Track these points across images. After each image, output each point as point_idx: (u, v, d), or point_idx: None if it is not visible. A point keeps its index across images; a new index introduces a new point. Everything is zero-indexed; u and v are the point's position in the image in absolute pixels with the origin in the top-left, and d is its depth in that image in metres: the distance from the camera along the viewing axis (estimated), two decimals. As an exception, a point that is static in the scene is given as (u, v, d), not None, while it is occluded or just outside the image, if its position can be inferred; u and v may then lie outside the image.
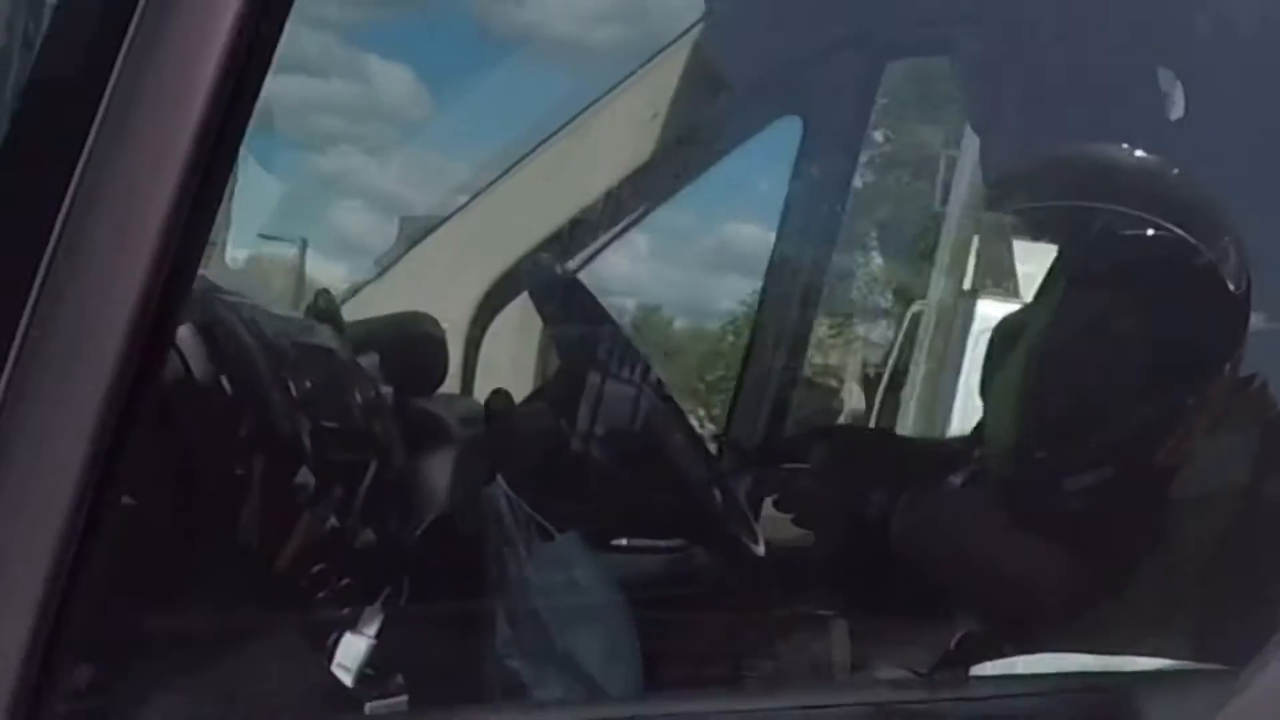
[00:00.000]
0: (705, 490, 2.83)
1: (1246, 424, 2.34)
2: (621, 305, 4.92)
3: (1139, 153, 2.53)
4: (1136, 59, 2.70)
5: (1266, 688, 1.18)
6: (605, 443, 2.72)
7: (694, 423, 3.72)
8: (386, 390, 2.57)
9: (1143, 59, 2.70)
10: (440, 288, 3.39)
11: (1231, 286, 2.30)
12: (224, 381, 2.08)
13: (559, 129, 3.39)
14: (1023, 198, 2.83)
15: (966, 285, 5.19)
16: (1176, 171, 2.50)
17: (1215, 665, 1.80)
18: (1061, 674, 1.80)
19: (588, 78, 3.49)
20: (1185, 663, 1.85)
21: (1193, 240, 2.32)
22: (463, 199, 3.53)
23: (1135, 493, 2.36)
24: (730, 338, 7.41)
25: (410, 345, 2.82)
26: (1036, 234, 3.07)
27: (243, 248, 3.15)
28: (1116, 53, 2.66)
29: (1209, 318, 2.35)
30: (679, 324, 6.14)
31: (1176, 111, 2.73)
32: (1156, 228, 2.34)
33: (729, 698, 1.94)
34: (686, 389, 5.05)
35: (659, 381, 2.92)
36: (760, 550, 2.84)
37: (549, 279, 3.01)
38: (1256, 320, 2.33)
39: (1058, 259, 2.63)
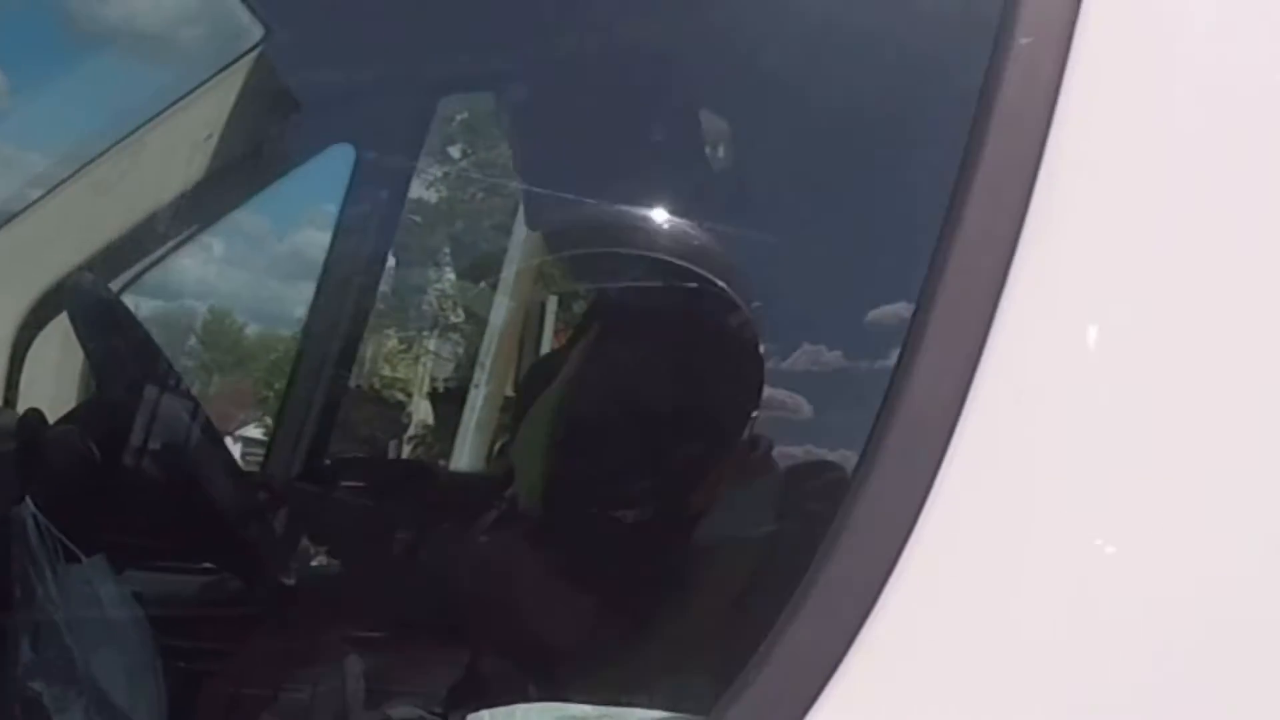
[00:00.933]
0: (237, 517, 2.83)
1: (756, 482, 2.39)
2: (193, 309, 4.85)
3: (669, 205, 2.57)
4: (678, 108, 2.77)
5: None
6: (137, 467, 2.71)
7: (261, 433, 3.73)
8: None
9: (686, 109, 2.77)
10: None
11: (760, 347, 2.34)
12: None
13: (113, 144, 3.35)
14: (562, 243, 2.88)
15: (549, 307, 5.24)
16: (707, 226, 2.51)
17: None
18: None
19: (145, 94, 3.44)
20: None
21: (733, 294, 2.37)
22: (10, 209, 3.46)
23: (646, 545, 2.40)
24: (280, 348, 7.38)
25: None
26: (575, 279, 3.13)
27: None
28: (658, 100, 2.73)
29: (736, 373, 2.39)
30: (250, 330, 6.08)
31: (720, 162, 2.82)
32: (695, 278, 2.38)
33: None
34: (257, 397, 5.02)
35: (197, 405, 2.92)
36: (290, 580, 2.86)
37: (88, 298, 2.97)
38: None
39: (593, 304, 2.68)
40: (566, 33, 2.70)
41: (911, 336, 1.30)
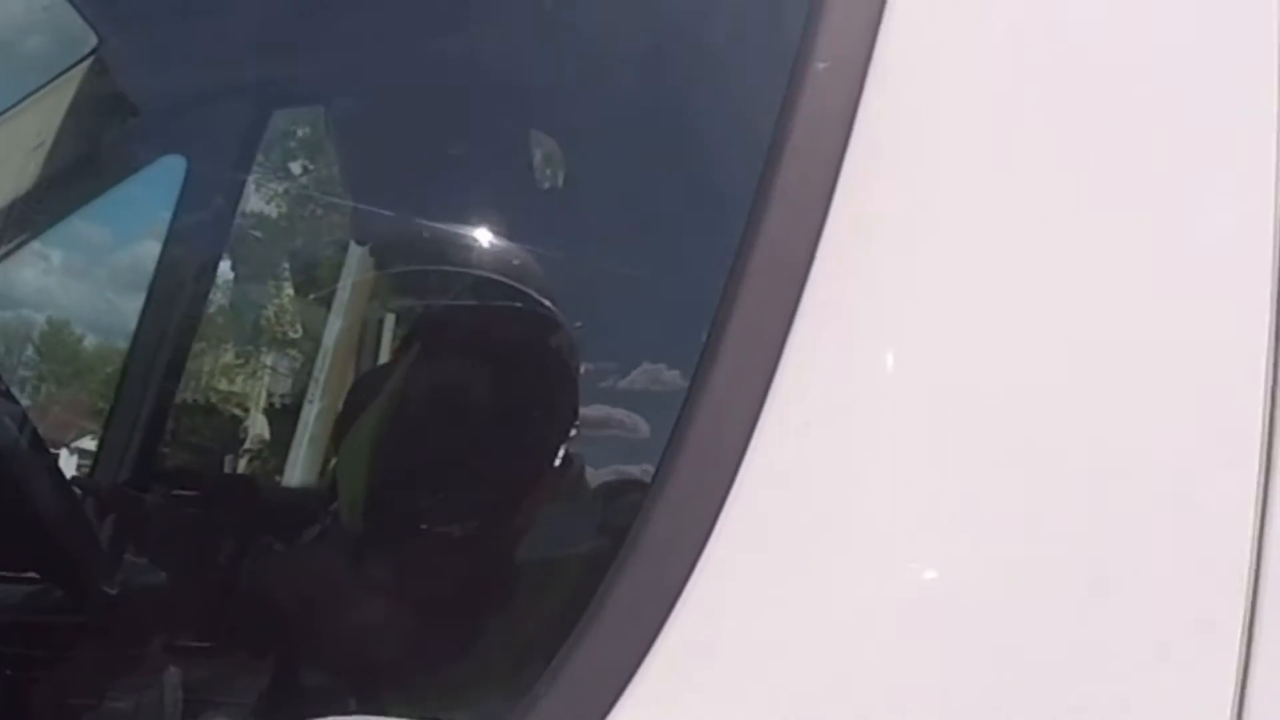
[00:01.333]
0: (60, 525, 2.81)
1: (570, 500, 2.41)
2: (28, 318, 4.82)
3: (494, 223, 2.58)
4: (508, 124, 2.78)
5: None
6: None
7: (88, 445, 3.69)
8: None
9: (515, 124, 2.79)
10: None
11: (580, 369, 2.39)
12: None
13: (-58, 149, 3.32)
14: (388, 259, 2.89)
15: (387, 324, 5.23)
16: (532, 245, 2.51)
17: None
18: None
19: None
20: None
21: (555, 313, 2.38)
22: None
23: (462, 560, 2.40)
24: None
25: None
26: (401, 296, 3.14)
27: None
28: (487, 117, 2.74)
29: (554, 392, 2.41)
30: (89, 341, 6.01)
31: (551, 179, 2.84)
32: (520, 297, 2.39)
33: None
34: (93, 409, 4.97)
35: (22, 411, 2.90)
36: (113, 589, 2.84)
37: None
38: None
39: (417, 320, 2.70)
40: (394, 47, 2.71)
41: (706, 354, 1.33)
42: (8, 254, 3.44)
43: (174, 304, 3.80)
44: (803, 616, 1.35)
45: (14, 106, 3.36)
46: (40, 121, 3.34)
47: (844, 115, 1.36)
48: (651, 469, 2.20)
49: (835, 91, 1.36)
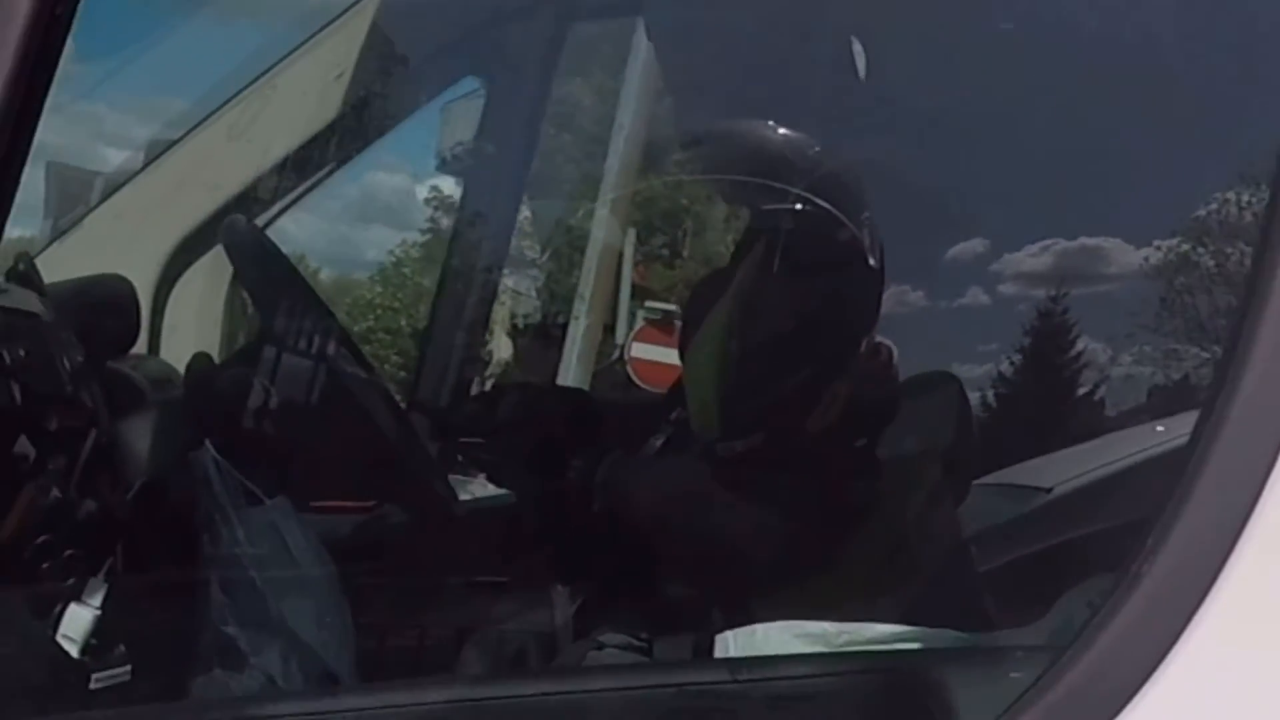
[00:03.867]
0: (402, 450, 2.84)
1: (882, 390, 2.40)
2: (326, 251, 4.92)
3: (792, 130, 2.55)
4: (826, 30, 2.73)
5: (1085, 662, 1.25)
6: (306, 405, 2.71)
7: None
8: (87, 355, 2.52)
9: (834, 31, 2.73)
10: (126, 248, 3.32)
11: (871, 261, 2.36)
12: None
13: (244, 88, 3.34)
14: (695, 166, 2.86)
15: (629, 240, 5.25)
16: (818, 148, 2.50)
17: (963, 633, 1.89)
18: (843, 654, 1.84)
19: (274, 35, 3.43)
20: (931, 631, 1.91)
21: (841, 216, 2.37)
22: (140, 157, 3.46)
23: (803, 457, 2.40)
24: (377, 288, 7.39)
25: (107, 308, 2.76)
26: (717, 199, 3.11)
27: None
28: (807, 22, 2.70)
29: (852, 290, 2.42)
30: (324, 275, 6.10)
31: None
32: (808, 203, 2.38)
33: (470, 686, 1.93)
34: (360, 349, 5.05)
35: (351, 342, 2.93)
36: (459, 510, 2.86)
37: (247, 241, 2.96)
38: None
39: (748, 230, 2.68)
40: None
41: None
42: (317, 184, 3.46)
43: (482, 228, 3.80)
44: None
45: (311, 38, 3.38)
46: (338, 52, 3.34)
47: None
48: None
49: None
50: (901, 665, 1.76)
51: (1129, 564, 1.24)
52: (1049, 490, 2.38)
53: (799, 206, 2.40)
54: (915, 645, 1.83)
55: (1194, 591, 1.22)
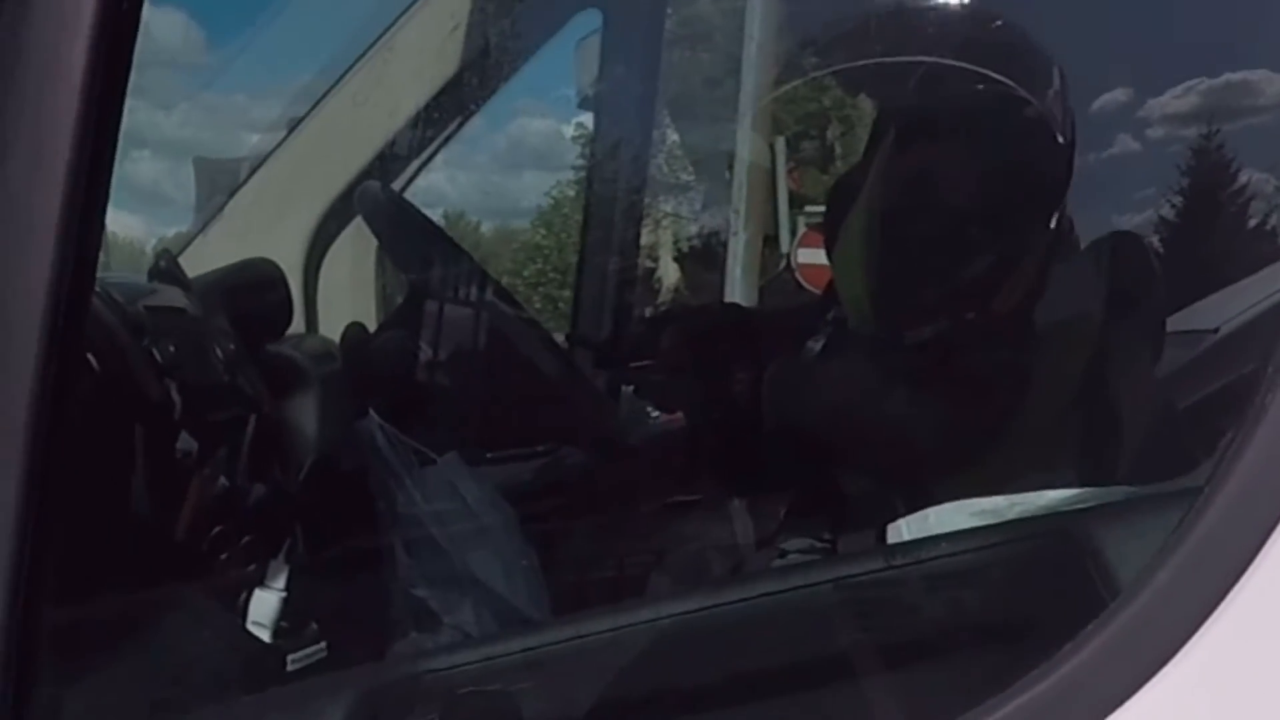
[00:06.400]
0: (566, 389, 2.83)
1: (1070, 263, 2.35)
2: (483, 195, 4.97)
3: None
4: None
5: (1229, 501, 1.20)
6: (464, 357, 2.71)
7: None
8: (241, 342, 2.54)
9: None
10: (269, 230, 3.35)
11: (1059, 136, 2.29)
12: (91, 360, 2.06)
13: (363, 53, 3.35)
14: (841, 56, 2.81)
15: (779, 148, 5.20)
16: (1001, 20, 2.44)
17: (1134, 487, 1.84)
18: (1007, 522, 1.81)
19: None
20: (1105, 489, 1.87)
21: (1020, 90, 2.29)
22: (275, 138, 3.48)
23: (982, 339, 2.35)
24: (541, 232, 7.41)
25: (255, 293, 2.78)
26: (857, 91, 3.06)
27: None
28: None
29: (1035, 167, 2.34)
30: (486, 227, 6.13)
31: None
32: (982, 79, 2.30)
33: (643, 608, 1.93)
34: (510, 290, 5.06)
35: (502, 288, 2.92)
36: (633, 441, 2.85)
37: (382, 205, 2.97)
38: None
39: (881, 114, 2.63)
40: None
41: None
42: (450, 139, 3.47)
43: (621, 156, 3.79)
44: None
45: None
46: (451, 4, 3.33)
47: None
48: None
49: None
50: (1063, 527, 1.72)
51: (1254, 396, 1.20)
52: (1215, 331, 2.33)
53: (965, 83, 2.32)
54: (1084, 505, 1.79)
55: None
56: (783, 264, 5.62)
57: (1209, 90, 2.34)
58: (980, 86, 2.30)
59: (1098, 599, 1.40)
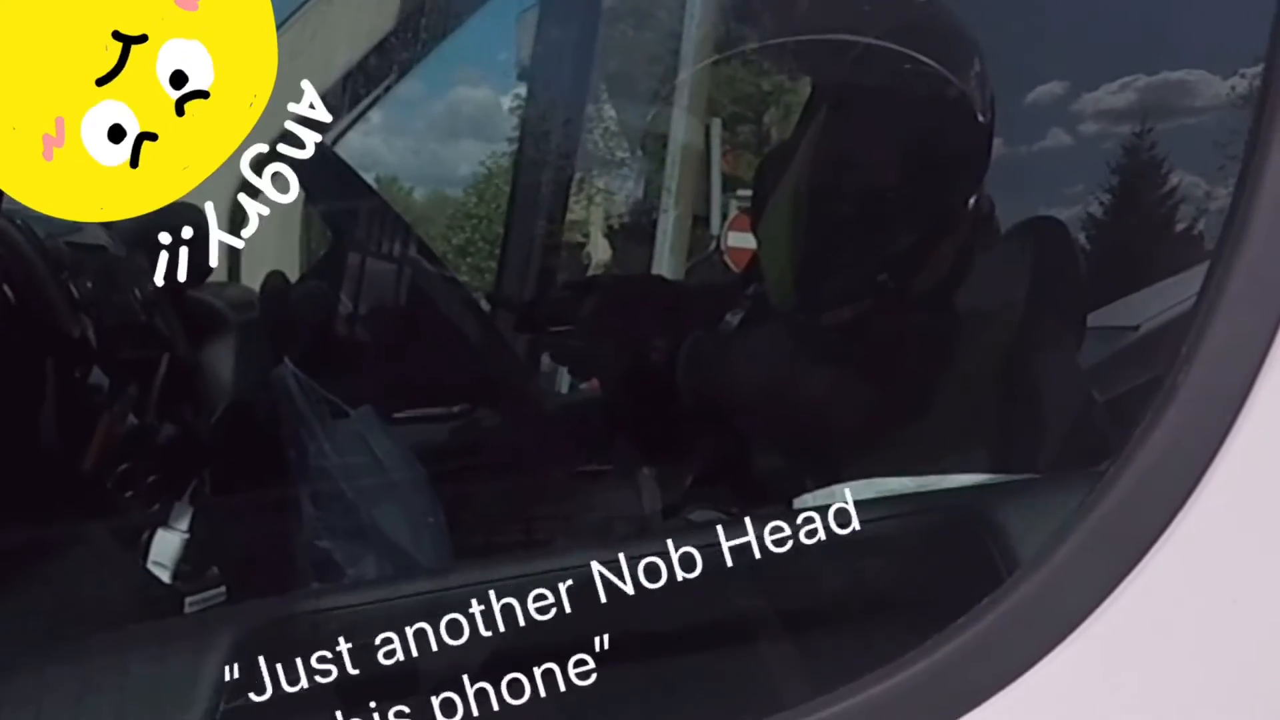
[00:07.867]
0: (486, 351, 2.83)
1: (991, 245, 2.37)
2: (417, 154, 4.92)
3: None
4: None
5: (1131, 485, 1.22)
6: (384, 313, 2.71)
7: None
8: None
9: None
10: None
11: (979, 116, 2.31)
12: (6, 289, 2.05)
13: (299, 7, 3.32)
14: (771, 31, 2.81)
15: (715, 129, 5.19)
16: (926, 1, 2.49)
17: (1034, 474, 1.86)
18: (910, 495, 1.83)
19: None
20: (1006, 475, 1.89)
21: (942, 70, 2.31)
22: (207, 84, 3.44)
23: (899, 319, 2.37)
24: (474, 200, 7.37)
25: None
26: (788, 67, 3.07)
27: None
28: None
29: (956, 147, 2.36)
30: (419, 193, 6.09)
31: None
32: (908, 59, 2.32)
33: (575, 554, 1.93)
34: (439, 255, 5.04)
35: (427, 247, 2.91)
36: (547, 406, 2.85)
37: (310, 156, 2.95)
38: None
39: (811, 93, 2.64)
40: None
41: None
42: (384, 97, 3.45)
43: (552, 127, 3.78)
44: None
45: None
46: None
47: None
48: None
49: None
50: (967, 504, 1.73)
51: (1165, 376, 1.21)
52: (1136, 328, 2.35)
53: (891, 63, 2.35)
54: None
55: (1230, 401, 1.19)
56: (712, 245, 5.62)
57: (1146, 88, 2.36)
58: (907, 66, 2.33)
59: (996, 575, 1.42)
